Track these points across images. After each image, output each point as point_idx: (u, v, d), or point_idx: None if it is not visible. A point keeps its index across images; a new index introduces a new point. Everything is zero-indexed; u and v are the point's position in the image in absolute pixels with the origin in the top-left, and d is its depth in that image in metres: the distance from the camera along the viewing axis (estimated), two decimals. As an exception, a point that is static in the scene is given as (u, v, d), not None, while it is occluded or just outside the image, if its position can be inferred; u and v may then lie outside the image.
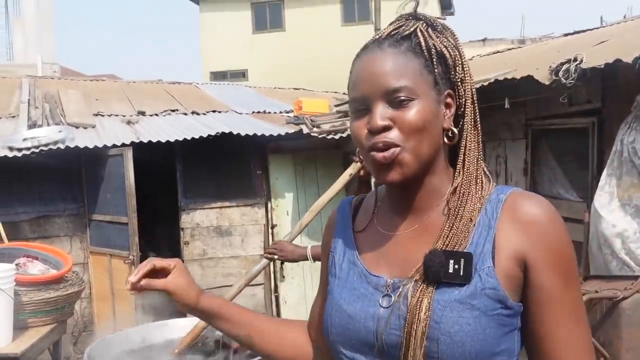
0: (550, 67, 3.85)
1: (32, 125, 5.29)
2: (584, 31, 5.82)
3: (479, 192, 0.99)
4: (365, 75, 0.97)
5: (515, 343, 0.94)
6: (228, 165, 5.59)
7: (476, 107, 1.02)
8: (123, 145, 4.90)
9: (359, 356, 0.98)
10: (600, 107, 4.22)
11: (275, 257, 2.87)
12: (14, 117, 5.72)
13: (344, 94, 8.78)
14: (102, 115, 6.05)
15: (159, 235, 6.41)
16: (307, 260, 2.91)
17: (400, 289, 0.94)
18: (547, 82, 3.84)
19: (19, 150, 4.69)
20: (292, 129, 5.55)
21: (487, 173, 1.02)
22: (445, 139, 1.00)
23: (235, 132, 5.11)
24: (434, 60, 0.97)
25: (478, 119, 1.02)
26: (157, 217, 6.62)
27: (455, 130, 1.00)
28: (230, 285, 5.41)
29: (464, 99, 1.01)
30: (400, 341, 0.92)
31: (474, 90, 1.02)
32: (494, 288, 0.90)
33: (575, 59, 3.69)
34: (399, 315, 0.93)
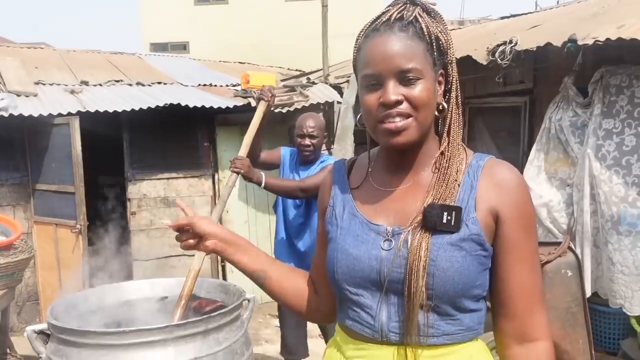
0: (487, 48, 4.09)
1: (-29, 93, 5.14)
2: (519, 15, 6.12)
3: (461, 155, 1.20)
4: (379, 55, 1.13)
5: (486, 280, 1.17)
6: (175, 136, 5.61)
7: (458, 85, 1.21)
8: (69, 114, 4.85)
9: (362, 291, 1.19)
10: (532, 87, 4.51)
11: (242, 171, 2.98)
12: (-51, 83, 5.54)
13: (288, 69, 8.85)
14: (44, 84, 5.90)
15: (105, 205, 6.37)
16: (260, 185, 3.10)
17: (402, 235, 1.15)
18: (484, 62, 4.08)
19: (-40, 117, 4.58)
20: (240, 102, 5.62)
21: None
22: (436, 112, 1.19)
23: (184, 104, 5.14)
24: (433, 44, 1.15)
25: (459, 95, 1.22)
26: (102, 187, 6.57)
27: (445, 105, 1.20)
28: (177, 256, 5.51)
29: (451, 77, 1.20)
30: (402, 277, 1.13)
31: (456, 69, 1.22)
32: (478, 234, 1.13)
33: (510, 42, 3.94)
34: (401, 256, 1.14)
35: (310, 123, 3.30)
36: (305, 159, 3.35)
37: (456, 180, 1.16)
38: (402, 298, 1.13)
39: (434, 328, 1.13)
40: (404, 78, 1.12)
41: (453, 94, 1.21)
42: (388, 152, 1.24)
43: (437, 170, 1.19)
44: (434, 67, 1.16)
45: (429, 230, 1.12)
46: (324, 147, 6.04)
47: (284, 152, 3.49)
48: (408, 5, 1.17)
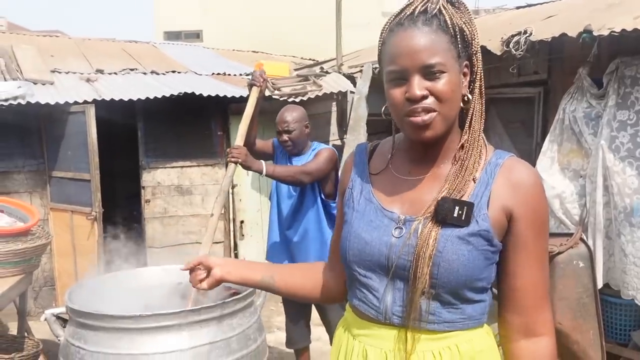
0: (502, 38, 4.07)
1: (-11, 80, 5.21)
2: (535, 5, 6.07)
3: (481, 147, 1.21)
4: (403, 50, 1.14)
5: (492, 273, 1.21)
6: (189, 125, 5.65)
7: (482, 76, 1.21)
8: (85, 102, 4.90)
9: (370, 274, 1.23)
10: (547, 78, 4.48)
11: (240, 160, 2.98)
12: (-32, 71, 5.61)
13: (302, 58, 8.85)
14: (60, 72, 5.97)
15: (120, 192, 6.45)
16: (261, 174, 3.08)
17: (413, 224, 1.18)
18: (498, 53, 4.06)
19: (-22, 105, 4.65)
20: (253, 91, 5.63)
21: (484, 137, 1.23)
22: (461, 103, 1.19)
23: (197, 93, 5.17)
24: (457, 36, 1.15)
25: (483, 86, 1.22)
26: (117, 174, 6.64)
27: (470, 96, 1.20)
28: (191, 243, 5.57)
29: (476, 68, 1.20)
30: (409, 265, 1.16)
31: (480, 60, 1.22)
32: (487, 230, 1.15)
33: (525, 32, 3.92)
34: (410, 245, 1.17)
35: (286, 117, 3.27)
36: (290, 153, 3.36)
37: (472, 173, 1.18)
38: (407, 284, 1.17)
39: (435, 315, 1.17)
40: (429, 72, 1.13)
41: (477, 84, 1.21)
42: (412, 144, 1.25)
43: (456, 163, 1.21)
44: (458, 60, 1.16)
45: (440, 223, 1.15)
46: (335, 135, 6.06)
47: (275, 143, 3.49)
48: None
